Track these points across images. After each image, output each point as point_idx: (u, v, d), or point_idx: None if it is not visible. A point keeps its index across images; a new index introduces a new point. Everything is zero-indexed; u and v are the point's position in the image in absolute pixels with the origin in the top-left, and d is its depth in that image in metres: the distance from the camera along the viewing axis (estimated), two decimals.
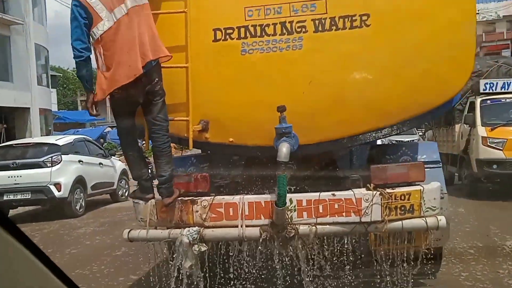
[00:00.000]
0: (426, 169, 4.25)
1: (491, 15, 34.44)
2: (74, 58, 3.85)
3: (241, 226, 3.98)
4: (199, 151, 5.13)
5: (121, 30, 3.84)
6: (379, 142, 5.61)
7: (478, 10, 33.31)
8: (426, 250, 4.14)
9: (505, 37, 31.86)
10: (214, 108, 4.20)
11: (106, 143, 28.46)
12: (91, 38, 3.87)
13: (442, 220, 3.94)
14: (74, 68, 64.02)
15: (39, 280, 1.17)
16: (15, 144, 11.87)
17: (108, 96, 3.94)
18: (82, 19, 3.79)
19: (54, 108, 38.88)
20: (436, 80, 4.02)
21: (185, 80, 4.12)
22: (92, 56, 3.95)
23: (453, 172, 12.41)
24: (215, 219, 4.04)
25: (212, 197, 4.08)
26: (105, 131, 31.10)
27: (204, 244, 4.00)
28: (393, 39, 3.98)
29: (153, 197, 4.18)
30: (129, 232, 4.22)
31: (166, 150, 4.04)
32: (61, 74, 54.99)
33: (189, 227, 4.02)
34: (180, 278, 4.05)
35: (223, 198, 4.08)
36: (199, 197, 4.08)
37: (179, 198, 4.07)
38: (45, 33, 28.88)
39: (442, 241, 4.70)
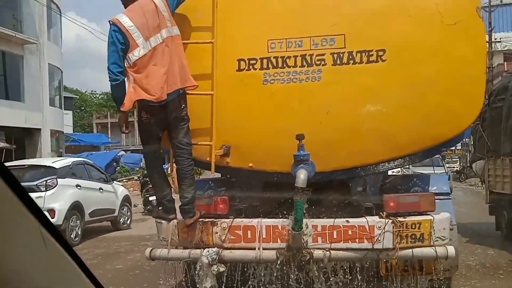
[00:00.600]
0: (437, 201, 4.43)
1: None
2: (110, 80, 4.08)
3: (259, 249, 4.14)
4: (218, 175, 5.32)
5: (155, 58, 4.08)
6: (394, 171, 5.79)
7: (500, 39, 32.68)
8: (435, 280, 4.29)
9: None
10: (236, 134, 4.41)
11: (119, 167, 28.91)
12: (126, 62, 4.09)
13: (451, 249, 4.08)
14: (92, 91, 64.78)
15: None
16: (10, 166, 10.70)
17: (137, 119, 4.17)
18: (120, 44, 4.04)
19: (69, 130, 38.90)
20: (448, 114, 4.21)
21: (210, 107, 4.33)
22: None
23: None
24: (233, 240, 4.21)
25: (231, 219, 4.26)
26: (118, 154, 31.27)
27: (222, 265, 4.16)
28: (408, 73, 4.19)
29: (175, 218, 4.36)
30: (151, 250, 4.39)
31: (189, 173, 4.24)
32: (78, 96, 55.25)
33: (208, 247, 4.19)
34: None
35: (241, 220, 4.26)
36: (219, 219, 4.27)
37: (200, 220, 4.26)
38: (59, 54, 28.86)
39: (451, 271, 4.83)
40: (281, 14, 4.37)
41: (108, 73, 4.08)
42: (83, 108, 58.22)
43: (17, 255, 1.03)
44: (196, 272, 4.19)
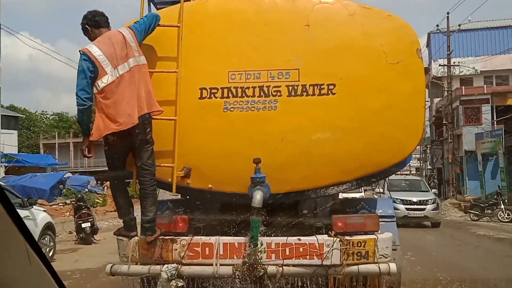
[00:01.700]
0: (381, 223, 4.81)
1: (468, 70, 34.18)
2: (77, 105, 4.28)
3: (216, 265, 4.38)
4: (179, 196, 5.57)
5: (122, 84, 4.32)
6: (341, 196, 6.18)
7: (459, 63, 33.07)
8: None
9: (485, 91, 31.04)
10: (197, 157, 4.67)
11: (65, 189, 27.39)
12: (94, 88, 4.31)
13: (393, 266, 4.43)
14: (42, 111, 63.13)
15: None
16: None
17: (103, 142, 4.40)
18: (89, 72, 4.25)
19: (14, 150, 37.44)
20: (391, 143, 4.63)
21: (173, 131, 4.60)
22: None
23: None
24: (192, 257, 4.44)
25: (191, 237, 4.50)
26: (65, 176, 29.79)
27: (181, 280, 4.36)
28: (355, 106, 4.59)
29: (136, 235, 4.56)
30: (112, 266, 4.56)
31: (152, 193, 4.47)
32: (24, 116, 53.61)
33: (168, 263, 4.40)
34: None
35: (200, 238, 4.49)
36: (178, 237, 4.50)
37: (160, 237, 4.48)
38: None
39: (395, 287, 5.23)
40: (242, 48, 4.69)
41: (76, 98, 4.26)
42: (31, 128, 56.52)
43: (4, 267, 1.05)
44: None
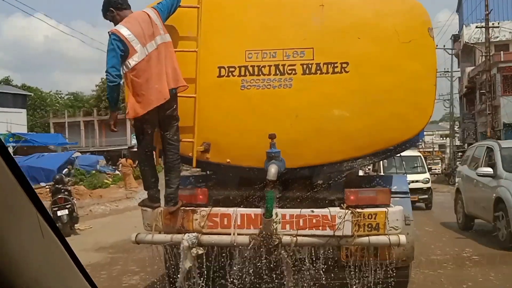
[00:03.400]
0: (396, 198, 4.99)
1: (504, 35, 32.13)
2: (108, 82, 4.48)
3: (234, 234, 4.62)
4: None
5: (152, 62, 4.52)
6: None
7: (498, 23, 30.52)
8: (394, 267, 4.84)
9: None
10: (216, 133, 4.88)
11: (74, 169, 25.66)
12: (125, 67, 4.52)
13: (403, 238, 4.60)
14: (57, 91, 63.70)
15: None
16: None
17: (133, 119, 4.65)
18: (120, 51, 4.44)
19: (23, 129, 36.48)
20: (401, 121, 4.77)
21: (193, 108, 4.81)
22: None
23: None
24: (211, 227, 4.68)
25: (210, 207, 4.75)
26: (73, 156, 28.68)
27: (201, 248, 4.61)
28: (367, 84, 4.72)
29: (159, 206, 4.82)
30: (136, 235, 4.83)
31: (177, 166, 4.70)
32: (32, 94, 53.06)
33: (189, 233, 4.66)
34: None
35: (219, 209, 4.72)
36: (199, 208, 4.75)
37: (182, 208, 4.73)
38: None
39: (407, 261, 5.39)
40: (258, 28, 4.85)
41: (107, 76, 4.45)
42: (42, 108, 56.64)
43: (19, 241, 1.01)
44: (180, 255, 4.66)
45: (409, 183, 15.13)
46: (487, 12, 29.27)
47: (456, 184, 12.89)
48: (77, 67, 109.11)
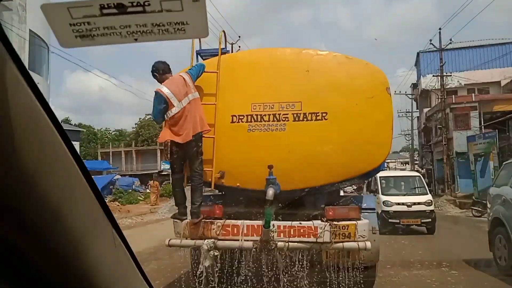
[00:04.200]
0: (365, 213, 6.28)
1: (453, 83, 36.46)
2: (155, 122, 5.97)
3: (241, 240, 5.88)
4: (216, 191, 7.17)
5: (185, 112, 5.85)
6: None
7: (451, 73, 34.71)
8: (364, 266, 6.06)
9: (473, 99, 33.09)
10: (229, 164, 6.21)
11: (115, 189, 30.76)
12: (166, 116, 5.87)
13: (368, 244, 5.76)
14: (106, 128, 73.32)
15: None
16: None
17: (169, 152, 6.01)
18: (162, 104, 5.83)
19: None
20: (367, 155, 6.07)
21: (212, 145, 6.19)
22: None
23: None
24: (225, 234, 5.93)
25: (224, 220, 6.07)
26: (114, 178, 33.19)
27: (217, 250, 5.88)
28: (341, 128, 6.04)
29: (186, 219, 6.15)
30: (169, 240, 6.16)
31: (200, 188, 6.04)
32: (84, 130, 60.73)
33: (207, 239, 5.91)
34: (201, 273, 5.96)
35: (230, 221, 6.00)
36: (216, 220, 6.08)
37: (203, 220, 6.02)
38: (45, 86, 23.91)
39: (374, 261, 6.65)
40: (261, 87, 6.24)
41: (153, 119, 6.09)
42: (93, 141, 65.00)
43: (97, 250, 1.03)
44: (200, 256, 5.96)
45: (410, 205, 15.16)
46: (441, 64, 33.99)
47: (491, 211, 9.19)
48: (122, 110, 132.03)
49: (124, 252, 1.17)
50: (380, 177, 15.93)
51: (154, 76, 6.16)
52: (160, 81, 6.07)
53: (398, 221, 15.10)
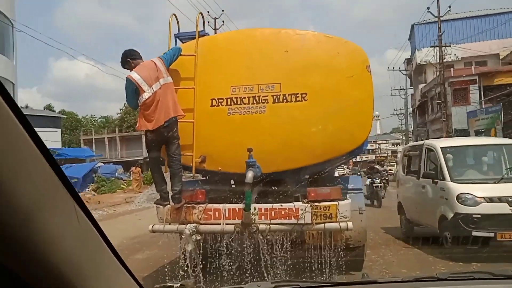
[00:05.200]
0: (351, 193, 6.18)
1: (450, 57, 35.21)
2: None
3: (223, 224, 5.83)
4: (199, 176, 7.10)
5: (156, 98, 5.77)
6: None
7: (450, 43, 33.30)
8: (352, 246, 5.99)
9: (473, 72, 32.03)
10: (209, 148, 6.11)
11: (97, 177, 30.05)
12: (138, 102, 5.80)
13: (350, 224, 5.68)
14: (91, 115, 73.84)
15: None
16: None
17: (145, 136, 5.94)
18: (133, 91, 5.76)
19: (58, 145, 40.36)
20: (348, 135, 5.93)
21: (192, 130, 6.08)
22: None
23: None
24: (206, 218, 5.87)
25: (206, 204, 6.01)
26: (96, 165, 32.29)
27: (199, 235, 5.86)
28: (321, 108, 5.90)
29: (168, 204, 6.10)
30: (152, 226, 6.11)
31: (178, 173, 5.97)
32: (65, 117, 60.82)
33: (190, 223, 5.88)
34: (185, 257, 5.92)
35: (212, 205, 5.94)
36: (197, 204, 6.01)
37: (184, 205, 5.98)
38: (10, 67, 24.97)
39: (361, 241, 6.60)
40: (240, 69, 6.10)
41: (130, 106, 6.04)
42: (77, 128, 65.32)
43: (53, 223, 0.97)
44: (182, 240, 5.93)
45: None
46: (440, 33, 31.93)
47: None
48: (109, 97, 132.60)
49: (90, 229, 1.13)
50: (443, 148, 8.99)
51: (124, 65, 6.07)
52: (131, 68, 5.98)
53: (492, 234, 7.55)
